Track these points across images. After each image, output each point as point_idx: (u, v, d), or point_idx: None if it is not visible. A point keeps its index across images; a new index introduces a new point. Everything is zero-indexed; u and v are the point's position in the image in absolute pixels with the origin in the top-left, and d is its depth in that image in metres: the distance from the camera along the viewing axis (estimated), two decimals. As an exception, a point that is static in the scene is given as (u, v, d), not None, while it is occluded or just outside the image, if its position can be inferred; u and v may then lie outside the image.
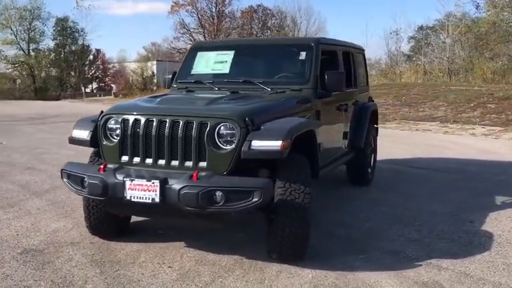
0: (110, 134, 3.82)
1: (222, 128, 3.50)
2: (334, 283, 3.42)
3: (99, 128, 3.85)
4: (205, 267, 3.66)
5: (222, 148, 3.49)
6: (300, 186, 3.51)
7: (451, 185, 6.52)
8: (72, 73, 50.54)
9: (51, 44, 49.58)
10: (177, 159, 3.56)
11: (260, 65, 5.15)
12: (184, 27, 49.08)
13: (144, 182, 3.41)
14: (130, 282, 3.39)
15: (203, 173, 3.39)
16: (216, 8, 49.12)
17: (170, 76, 5.25)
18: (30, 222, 4.70)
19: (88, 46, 52.03)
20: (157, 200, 3.38)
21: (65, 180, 3.81)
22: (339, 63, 5.33)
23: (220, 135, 3.50)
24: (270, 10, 50.55)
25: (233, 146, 3.45)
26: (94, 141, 3.90)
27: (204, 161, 3.51)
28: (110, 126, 3.82)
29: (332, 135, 5.16)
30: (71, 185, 3.76)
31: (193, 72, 5.16)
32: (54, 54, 50.16)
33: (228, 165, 3.45)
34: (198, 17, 49.27)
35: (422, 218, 5.02)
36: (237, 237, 4.24)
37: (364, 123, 6.06)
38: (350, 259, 3.87)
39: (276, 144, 3.37)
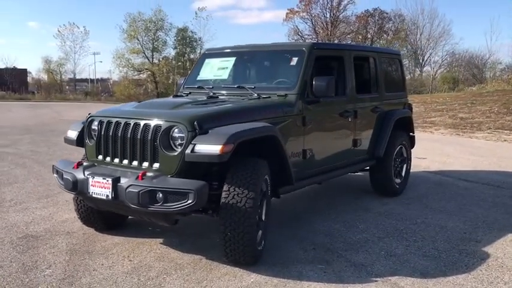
0: (93, 135, 4.19)
1: (175, 131, 3.66)
2: (268, 290, 3.39)
3: (85, 129, 4.24)
4: (160, 264, 3.84)
5: (173, 150, 3.65)
6: (244, 190, 3.54)
7: (488, 201, 5.92)
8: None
9: (172, 52, 53.29)
10: (136, 160, 3.80)
11: (256, 71, 5.20)
12: (298, 34, 49.68)
13: (100, 179, 3.70)
14: (85, 271, 3.69)
15: (150, 174, 3.59)
16: (330, 14, 48.96)
17: (181, 82, 5.52)
18: (50, 212, 5.27)
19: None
20: (110, 197, 3.65)
21: (54, 175, 4.26)
22: (345, 68, 5.17)
23: (173, 138, 3.67)
24: (387, 14, 48.97)
25: (182, 148, 3.60)
26: (81, 141, 4.30)
27: (158, 162, 3.70)
28: (93, 127, 4.19)
29: (330, 142, 5.02)
30: (58, 179, 4.19)
31: (198, 78, 5.38)
32: (174, 62, 53.81)
33: (176, 167, 3.60)
34: (312, 23, 49.52)
35: (425, 234, 4.67)
36: (212, 242, 4.34)
37: (386, 130, 5.77)
38: (307, 268, 3.78)
39: (215, 148, 3.44)
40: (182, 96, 5.06)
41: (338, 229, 4.78)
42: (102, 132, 4.01)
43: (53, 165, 4.28)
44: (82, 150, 4.38)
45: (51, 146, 10.41)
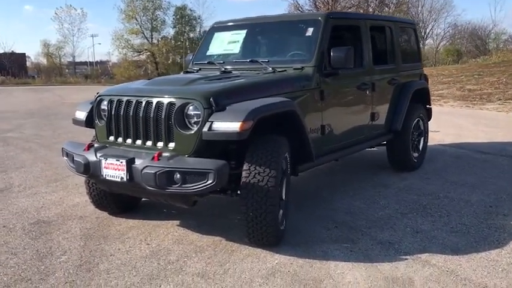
0: (103, 115, 4.00)
1: (190, 108, 3.47)
2: (295, 271, 3.25)
3: (94, 109, 4.05)
4: (179, 246, 3.70)
5: (189, 129, 3.47)
6: (265, 169, 3.37)
7: (509, 173, 5.77)
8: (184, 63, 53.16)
9: (172, 32, 52.63)
10: (150, 140, 3.62)
11: (269, 44, 4.97)
12: (298, 9, 48.84)
13: (114, 161, 3.53)
14: (101, 256, 3.55)
15: (166, 154, 3.41)
16: (331, -13, 48.06)
17: (190, 58, 5.31)
18: (60, 196, 5.13)
19: (205, 32, 54.29)
20: (125, 179, 3.48)
21: (64, 158, 4.09)
22: (361, 38, 4.95)
23: (188, 116, 3.48)
24: (389, -14, 47.91)
25: (198, 126, 3.41)
26: (90, 122, 4.12)
27: (173, 141, 3.52)
28: (102, 107, 4.00)
29: (348, 116, 4.83)
30: (68, 162, 4.02)
31: (208, 53, 5.16)
32: (174, 41, 53.20)
33: (193, 146, 3.43)
34: (313, -3, 48.65)
35: (450, 208, 4.52)
36: (231, 222, 4.19)
37: (403, 103, 5.58)
38: (332, 248, 3.63)
39: (234, 126, 3.26)
40: (193, 72, 4.85)
41: (358, 206, 4.63)
42: (113, 112, 3.82)
43: (62, 148, 4.11)
44: (89, 133, 4.20)
45: (56, 129, 10.24)
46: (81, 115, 4.17)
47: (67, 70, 58.07)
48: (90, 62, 62.94)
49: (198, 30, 52.86)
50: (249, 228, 3.46)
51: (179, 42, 52.29)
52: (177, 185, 3.28)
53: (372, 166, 6.23)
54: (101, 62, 65.12)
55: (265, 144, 3.50)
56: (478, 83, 18.01)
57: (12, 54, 52.84)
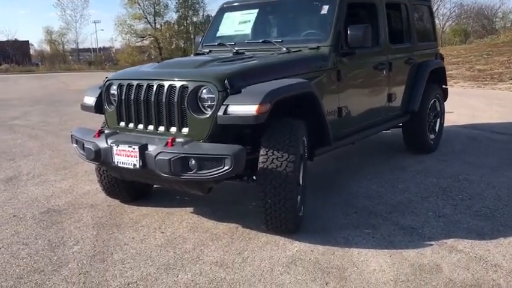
0: (113, 100, 3.86)
1: (204, 91, 3.32)
2: (316, 259, 3.13)
3: (103, 94, 3.91)
4: (195, 234, 3.59)
5: (203, 113, 3.32)
6: (283, 153, 3.23)
7: (530, 154, 5.59)
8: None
9: (175, 16, 52.13)
10: (163, 125, 3.49)
11: (283, 23, 4.78)
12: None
13: (126, 147, 3.40)
14: (115, 246, 3.44)
15: (180, 140, 3.27)
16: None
17: (200, 39, 5.14)
18: (70, 184, 5.02)
19: (208, 16, 53.82)
20: (138, 166, 3.35)
21: (73, 145, 3.97)
22: (377, 16, 4.76)
23: (202, 100, 3.33)
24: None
25: (212, 110, 3.27)
26: (100, 107, 3.98)
27: (187, 126, 3.38)
28: (111, 92, 3.86)
29: (365, 98, 4.67)
30: (78, 149, 3.89)
31: (218, 34, 4.98)
32: (177, 26, 52.72)
33: (207, 131, 3.29)
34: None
35: (472, 191, 4.37)
36: (246, 209, 4.07)
37: (420, 83, 5.41)
38: (353, 234, 3.51)
39: (250, 109, 3.11)
40: (204, 54, 4.69)
41: (376, 190, 4.49)
42: (123, 97, 3.68)
43: (71, 134, 3.98)
44: (97, 119, 4.07)
45: (62, 116, 10.14)
46: (90, 100, 4.03)
47: (70, 57, 57.93)
48: (93, 48, 62.74)
49: (202, 14, 52.44)
50: (266, 215, 3.34)
51: (182, 27, 51.86)
52: (192, 172, 3.15)
53: (387, 149, 6.08)
54: (104, 48, 64.96)
55: (282, 128, 3.35)
56: (488, 63, 17.72)
57: (16, 41, 52.75)
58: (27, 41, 56.94)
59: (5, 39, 52.57)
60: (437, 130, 5.96)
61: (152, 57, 50.18)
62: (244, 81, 3.34)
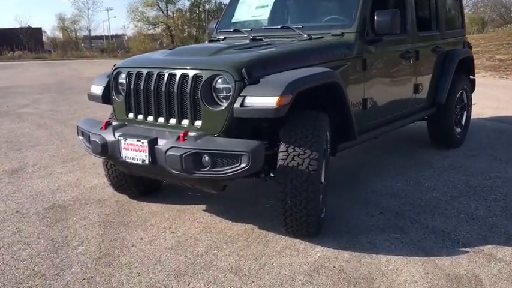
0: (121, 90, 3.60)
1: (219, 81, 3.04)
2: (341, 267, 2.85)
3: (111, 83, 3.65)
4: (207, 236, 3.32)
5: (217, 105, 3.04)
6: (306, 150, 2.94)
7: None
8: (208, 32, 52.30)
9: (187, 3, 51.68)
10: (174, 117, 3.21)
11: (303, 8, 4.46)
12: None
13: (134, 141, 3.13)
14: (122, 247, 3.19)
15: (193, 134, 3.00)
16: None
17: (214, 26, 4.84)
18: (77, 177, 4.79)
19: (221, 3, 53.25)
20: (147, 161, 3.08)
21: (79, 137, 3.72)
22: (405, 1, 4.42)
23: (216, 90, 3.05)
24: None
25: (228, 102, 2.98)
26: (107, 97, 3.72)
27: (200, 119, 3.10)
28: (120, 81, 3.59)
29: (391, 89, 4.35)
30: (83, 142, 3.64)
31: (234, 20, 4.67)
32: (189, 14, 52.28)
33: (222, 125, 3.00)
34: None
35: (505, 191, 4.06)
36: (262, 207, 3.80)
37: (448, 73, 5.06)
38: (380, 238, 3.22)
39: (270, 100, 2.82)
40: (219, 40, 4.39)
41: (402, 188, 4.19)
42: (132, 86, 3.40)
43: (77, 126, 3.72)
44: (108, 108, 3.82)
45: (72, 104, 9.92)
46: (97, 90, 3.77)
47: (83, 44, 58.00)
48: (105, 35, 62.66)
49: (214, 1, 51.89)
50: (286, 218, 3.06)
51: (194, 15, 51.43)
52: (205, 169, 2.87)
53: (410, 142, 5.76)
54: (116, 36, 64.88)
55: (304, 122, 3.06)
56: (509, 52, 17.15)
57: (29, 28, 52.81)
58: (40, 28, 57.16)
59: (18, 26, 52.66)
60: (463, 123, 5.62)
61: (164, 45, 49.87)
62: (263, 70, 3.05)
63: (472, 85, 5.77)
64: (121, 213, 3.79)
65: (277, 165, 2.99)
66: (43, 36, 56.74)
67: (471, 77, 5.76)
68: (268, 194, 3.85)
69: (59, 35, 57.12)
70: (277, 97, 2.80)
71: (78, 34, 57.43)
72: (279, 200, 3.01)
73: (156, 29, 51.39)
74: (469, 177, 4.45)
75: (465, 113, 5.62)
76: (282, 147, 2.99)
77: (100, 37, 63.38)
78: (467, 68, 5.59)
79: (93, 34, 60.43)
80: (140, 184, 3.99)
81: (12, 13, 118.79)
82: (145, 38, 49.71)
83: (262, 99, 2.85)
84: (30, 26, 54.22)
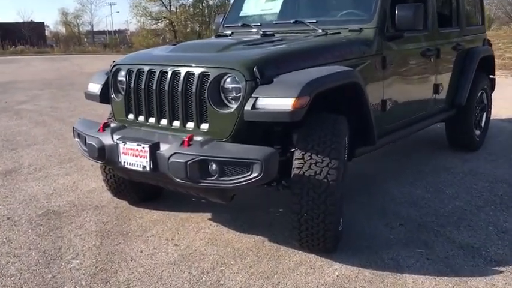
0: (120, 88, 3.31)
1: (228, 80, 2.74)
2: (363, 288, 2.57)
3: (109, 81, 3.36)
4: (213, 249, 3.04)
5: (226, 106, 2.75)
6: (324, 157, 2.65)
7: None
8: (214, 27, 51.92)
9: (191, -1, 51.19)
10: (178, 119, 2.92)
11: (317, 1, 4.16)
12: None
13: (134, 146, 2.85)
14: (120, 261, 2.91)
15: (199, 138, 2.71)
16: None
17: (220, 20, 4.54)
18: (74, 180, 4.51)
19: (225, -1, 52.73)
20: (148, 168, 2.80)
21: (75, 139, 3.43)
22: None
23: (225, 90, 2.76)
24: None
25: (238, 103, 2.69)
26: (106, 96, 3.43)
27: (207, 122, 2.82)
28: (119, 79, 3.30)
29: (411, 89, 4.05)
30: (80, 145, 3.36)
31: (242, 14, 4.38)
32: (192, 9, 51.89)
33: (231, 129, 2.72)
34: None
35: (534, 200, 3.76)
36: (272, 216, 3.53)
37: (468, 73, 4.76)
38: (403, 254, 2.93)
39: (286, 103, 2.53)
40: (226, 36, 4.10)
41: (422, 196, 3.90)
42: (132, 85, 3.12)
43: (73, 128, 3.44)
44: (109, 106, 3.53)
45: (72, 100, 9.64)
46: (95, 88, 3.49)
47: (85, 39, 57.71)
48: (108, 31, 62.36)
49: (219, -4, 51.41)
50: (301, 232, 2.77)
51: (198, 10, 51.03)
52: (213, 178, 2.59)
53: (427, 145, 5.46)
54: (119, 31, 64.59)
55: (322, 126, 2.77)
56: (518, 51, 16.80)
57: (31, 23, 52.50)
58: (43, 22, 56.92)
59: (20, 20, 52.38)
60: (483, 125, 5.32)
61: (167, 40, 49.49)
62: (277, 69, 2.76)
63: (492, 85, 5.46)
64: (120, 222, 3.51)
65: (292, 174, 2.70)
66: (46, 31, 56.40)
67: (491, 76, 5.44)
68: (279, 201, 3.60)
69: (62, 29, 56.89)
70: (294, 99, 2.51)
71: (80, 29, 57.16)
72: (294, 212, 2.72)
73: (159, 24, 51.04)
74: (493, 184, 4.15)
75: (485, 114, 5.32)
76: (298, 154, 2.71)
77: (103, 32, 63.06)
78: (487, 66, 5.28)
79: (95, 29, 60.17)
80: (140, 190, 3.71)
81: (15, 7, 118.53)
82: (148, 33, 49.37)
83: (277, 101, 2.56)
84: (33, 20, 53.95)
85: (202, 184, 2.63)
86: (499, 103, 8.00)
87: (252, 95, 2.62)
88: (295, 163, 2.69)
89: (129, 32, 62.17)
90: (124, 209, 3.74)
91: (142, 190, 3.72)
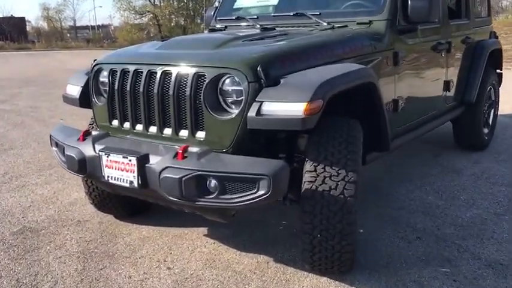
0: (103, 91, 2.93)
1: (227, 82, 2.38)
2: (386, 321, 2.24)
3: (90, 83, 2.97)
4: (212, 272, 2.69)
5: (225, 112, 2.39)
6: (340, 170, 2.31)
7: None
8: (199, 21, 51.19)
9: (175, -8, 50.42)
10: (170, 127, 2.56)
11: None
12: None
13: (120, 158, 2.47)
14: (106, 290, 2.55)
15: (195, 149, 2.33)
16: None
17: (212, 13, 4.16)
18: (54, 190, 4.11)
19: (208, -7, 52.06)
20: (135, 184, 2.43)
21: (53, 148, 3.04)
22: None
23: (224, 93, 2.40)
24: None
25: (239, 109, 2.33)
26: (87, 100, 3.04)
27: (203, 130, 2.45)
28: (101, 80, 2.92)
29: (422, 87, 3.73)
30: (58, 155, 2.97)
31: (236, 6, 4.01)
32: (177, 3, 51.13)
33: (232, 138, 2.36)
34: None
35: (556, 205, 3.47)
36: (276, 230, 3.18)
37: (477, 68, 4.45)
38: (426, 274, 2.61)
39: (296, 108, 2.18)
40: (221, 30, 3.72)
41: (435, 203, 3.59)
42: (116, 87, 2.74)
43: (50, 136, 3.04)
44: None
45: (54, 100, 9.15)
46: (74, 91, 3.09)
47: (68, 34, 56.69)
48: (91, 26, 61.27)
49: (202, -11, 50.71)
50: (313, 255, 2.43)
51: (182, 4, 50.30)
52: (212, 196, 2.23)
53: (432, 144, 5.14)
54: (103, 26, 63.49)
55: (335, 132, 2.43)
56: (509, 43, 16.61)
57: (11, 18, 51.36)
58: (24, 17, 55.45)
59: (0, 15, 51.17)
60: (490, 123, 5.03)
61: (152, 35, 48.71)
62: (283, 68, 2.41)
63: (499, 80, 5.18)
64: (105, 240, 3.13)
65: (303, 189, 2.35)
66: (27, 26, 55.18)
67: (498, 70, 5.15)
68: (283, 213, 3.27)
69: (44, 25, 55.68)
70: (306, 103, 2.16)
71: (63, 24, 56.04)
72: (306, 233, 2.38)
73: (143, 18, 50.25)
74: (509, 188, 3.86)
75: (492, 111, 5.03)
76: (309, 166, 2.36)
77: (86, 27, 61.92)
78: (495, 61, 4.98)
79: (78, 24, 59.11)
80: (127, 203, 3.33)
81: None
82: (132, 27, 48.60)
83: (286, 106, 2.20)
84: (13, 15, 52.73)
85: (199, 203, 2.27)
86: (501, 98, 7.74)
87: (256, 99, 2.26)
88: (306, 176, 2.35)
89: (112, 26, 61.16)
90: (109, 224, 3.37)
91: (130, 203, 3.34)
